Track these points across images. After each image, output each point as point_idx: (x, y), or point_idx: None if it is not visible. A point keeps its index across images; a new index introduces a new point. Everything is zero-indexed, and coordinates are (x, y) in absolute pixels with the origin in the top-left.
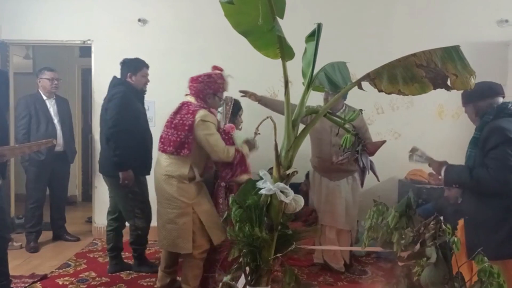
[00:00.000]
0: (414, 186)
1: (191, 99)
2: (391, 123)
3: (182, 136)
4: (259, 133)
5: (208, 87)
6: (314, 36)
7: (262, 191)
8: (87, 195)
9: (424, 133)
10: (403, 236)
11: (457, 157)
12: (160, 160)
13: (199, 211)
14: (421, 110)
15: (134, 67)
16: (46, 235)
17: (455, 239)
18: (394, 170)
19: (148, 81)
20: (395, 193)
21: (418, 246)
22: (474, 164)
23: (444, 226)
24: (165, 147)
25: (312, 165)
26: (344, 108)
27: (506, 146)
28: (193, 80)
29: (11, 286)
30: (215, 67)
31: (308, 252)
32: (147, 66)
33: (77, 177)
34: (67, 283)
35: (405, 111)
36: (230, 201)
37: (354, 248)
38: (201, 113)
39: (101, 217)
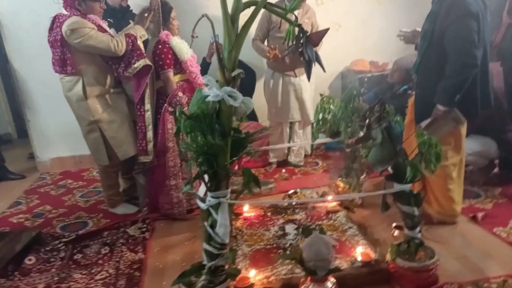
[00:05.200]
0: (356, 76)
1: (64, 11)
2: (331, 14)
3: (59, 53)
4: (196, 36)
5: None
6: None
7: (209, 98)
8: (23, 131)
9: (364, 20)
10: (349, 125)
11: (398, 40)
12: (61, 81)
13: (103, 127)
14: None
15: None
16: None
17: (398, 118)
18: (337, 63)
19: None
20: (339, 86)
21: (364, 131)
22: (431, 41)
23: (387, 108)
24: (54, 67)
25: (269, 66)
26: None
27: (467, 19)
28: None
29: None
30: None
31: (262, 154)
32: None
33: (6, 113)
34: (22, 219)
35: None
36: (177, 114)
37: (305, 143)
38: (67, 23)
39: (43, 151)
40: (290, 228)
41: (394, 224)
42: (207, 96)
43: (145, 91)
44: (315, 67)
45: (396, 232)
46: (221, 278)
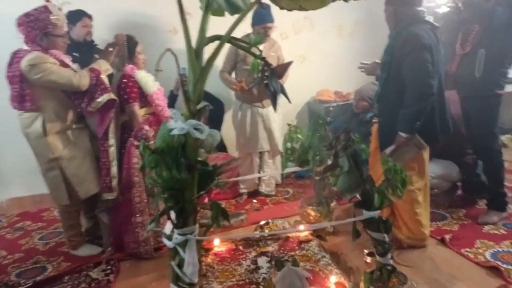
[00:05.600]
0: (322, 106)
1: (24, 45)
2: (295, 47)
3: (18, 89)
4: (161, 70)
5: (32, 27)
6: None
7: (174, 132)
8: None
9: (327, 53)
10: (317, 153)
11: (359, 71)
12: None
13: (63, 165)
14: (322, 31)
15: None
16: None
17: (363, 146)
18: (303, 93)
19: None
20: (306, 116)
21: (331, 159)
22: (389, 72)
23: (353, 137)
24: (13, 103)
25: (237, 97)
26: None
27: (421, 51)
28: (17, 23)
29: None
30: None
31: (233, 185)
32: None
33: None
34: None
35: (307, 34)
36: (140, 148)
37: (275, 172)
38: (27, 58)
39: (1, 191)
40: (262, 261)
41: (366, 251)
42: (172, 129)
43: (109, 126)
44: (282, 98)
45: (369, 259)
46: None
